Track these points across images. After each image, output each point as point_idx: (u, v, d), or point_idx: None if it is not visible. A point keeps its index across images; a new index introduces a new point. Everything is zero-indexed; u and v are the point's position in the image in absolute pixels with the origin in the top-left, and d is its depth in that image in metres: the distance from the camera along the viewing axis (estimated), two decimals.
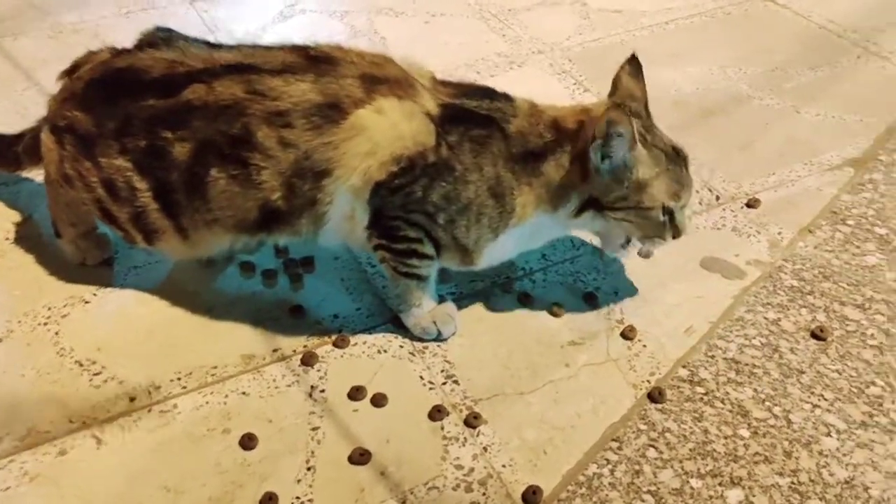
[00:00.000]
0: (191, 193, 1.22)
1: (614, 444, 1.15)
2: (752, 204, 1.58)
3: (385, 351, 1.28)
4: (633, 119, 1.15)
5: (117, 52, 1.29)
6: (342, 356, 1.27)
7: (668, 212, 1.20)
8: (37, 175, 1.52)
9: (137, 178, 1.23)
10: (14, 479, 1.09)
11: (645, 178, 1.17)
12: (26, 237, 1.47)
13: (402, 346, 1.29)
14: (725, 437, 1.16)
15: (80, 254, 1.41)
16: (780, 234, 1.52)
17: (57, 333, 1.29)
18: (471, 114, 1.20)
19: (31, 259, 1.43)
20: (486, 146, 1.19)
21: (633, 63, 1.29)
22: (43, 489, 1.07)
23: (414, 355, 1.27)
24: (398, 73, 1.21)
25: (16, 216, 1.51)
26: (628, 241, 1.27)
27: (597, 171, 1.17)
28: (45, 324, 1.30)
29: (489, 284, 1.40)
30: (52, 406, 1.18)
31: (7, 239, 1.46)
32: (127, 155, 1.22)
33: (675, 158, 1.21)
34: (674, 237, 1.24)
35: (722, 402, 1.21)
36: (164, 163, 1.21)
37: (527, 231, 1.25)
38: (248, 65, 1.20)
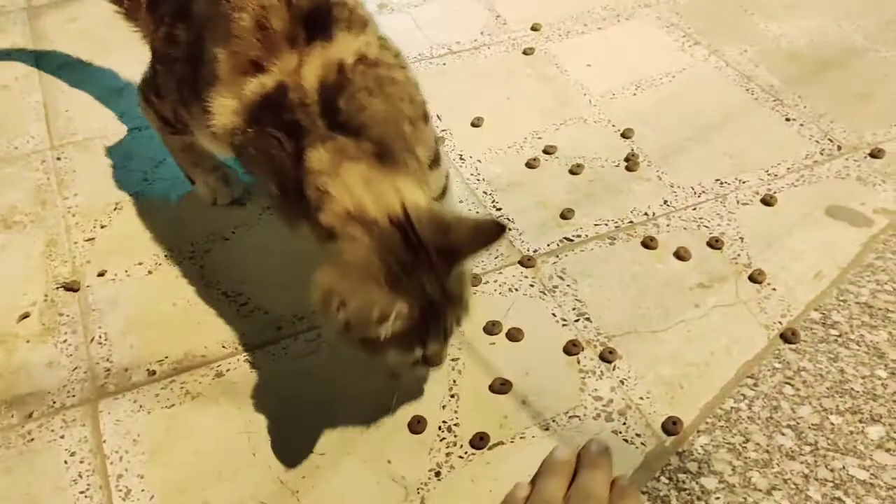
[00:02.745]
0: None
1: (750, 381, 1.16)
2: (875, 154, 1.56)
3: (516, 289, 1.31)
4: None
5: None
6: (475, 293, 1.30)
7: None
8: None
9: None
10: (177, 397, 1.15)
11: None
12: (163, 179, 1.54)
13: (532, 286, 1.32)
14: (863, 377, 1.16)
15: (210, 192, 1.46)
16: None
17: (202, 267, 1.35)
18: None
19: (169, 200, 1.49)
20: None
21: None
22: (204, 407, 1.14)
23: (545, 294, 1.30)
24: None
25: (152, 160, 1.58)
26: None
27: None
28: (191, 258, 1.37)
29: (613, 228, 1.42)
30: (204, 332, 1.24)
31: (146, 181, 1.53)
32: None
33: None
34: None
35: (857, 343, 1.21)
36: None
37: None
38: None
